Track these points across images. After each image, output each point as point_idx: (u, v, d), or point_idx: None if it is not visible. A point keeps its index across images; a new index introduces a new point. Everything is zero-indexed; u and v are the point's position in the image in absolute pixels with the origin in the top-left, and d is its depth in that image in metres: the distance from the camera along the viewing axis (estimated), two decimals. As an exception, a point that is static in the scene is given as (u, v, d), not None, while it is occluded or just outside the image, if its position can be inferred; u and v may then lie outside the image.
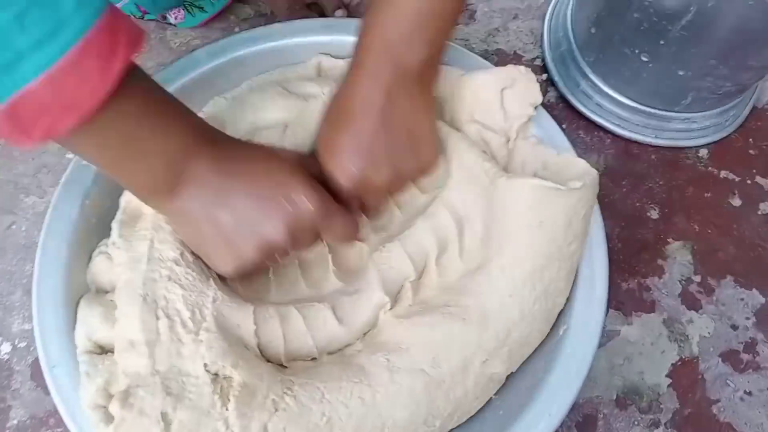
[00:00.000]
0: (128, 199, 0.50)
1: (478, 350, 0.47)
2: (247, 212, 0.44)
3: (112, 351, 0.46)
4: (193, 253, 0.48)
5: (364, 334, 0.50)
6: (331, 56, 0.62)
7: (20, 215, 0.65)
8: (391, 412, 0.45)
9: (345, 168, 0.49)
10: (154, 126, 0.41)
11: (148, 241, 0.47)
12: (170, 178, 0.43)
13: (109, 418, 0.43)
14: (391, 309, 0.49)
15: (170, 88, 0.48)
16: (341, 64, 0.61)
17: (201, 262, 0.48)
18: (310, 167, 0.48)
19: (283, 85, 0.60)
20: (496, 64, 0.59)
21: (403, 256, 0.51)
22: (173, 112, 0.44)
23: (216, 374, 0.43)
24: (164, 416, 0.41)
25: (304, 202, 0.45)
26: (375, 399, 0.45)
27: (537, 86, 0.56)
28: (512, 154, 0.56)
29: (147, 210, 0.49)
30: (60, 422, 0.56)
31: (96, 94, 0.35)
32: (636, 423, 0.58)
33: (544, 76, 0.74)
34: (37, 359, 0.58)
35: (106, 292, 0.50)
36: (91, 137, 0.38)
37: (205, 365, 0.43)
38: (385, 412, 0.45)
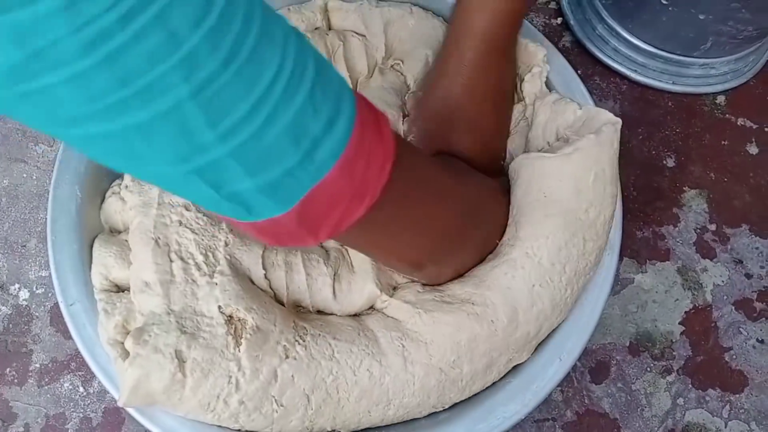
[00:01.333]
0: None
1: (506, 351, 0.46)
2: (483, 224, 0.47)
3: (128, 290, 0.46)
4: None
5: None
6: None
7: (30, 164, 0.65)
8: (399, 395, 0.45)
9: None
10: (427, 191, 0.40)
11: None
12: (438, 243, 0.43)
13: (126, 353, 0.43)
14: (392, 296, 0.47)
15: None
16: (348, 6, 0.59)
17: None
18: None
19: None
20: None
21: None
22: (437, 166, 0.42)
23: (230, 316, 0.44)
24: (178, 353, 0.42)
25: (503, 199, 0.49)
26: (384, 379, 0.44)
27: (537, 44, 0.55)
28: (533, 118, 0.54)
29: None
30: (81, 365, 0.57)
31: (385, 169, 0.31)
32: (648, 369, 0.58)
33: (559, 20, 0.72)
34: (55, 305, 0.59)
35: (120, 232, 0.51)
36: (374, 220, 0.33)
37: (219, 307, 0.44)
38: (392, 394, 0.45)
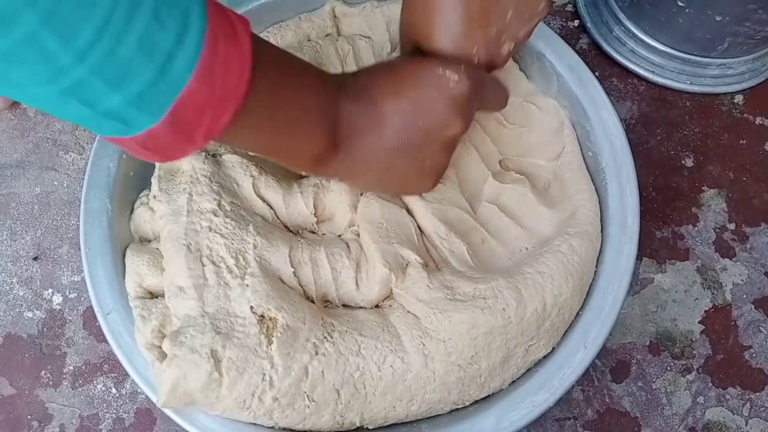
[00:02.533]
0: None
1: (521, 338, 0.48)
2: (415, 122, 0.42)
3: (162, 296, 0.48)
4: (231, 202, 0.49)
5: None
6: (344, 2, 0.62)
7: (61, 171, 0.66)
8: (421, 391, 0.46)
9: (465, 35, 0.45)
10: (295, 88, 0.40)
11: (186, 194, 0.49)
12: (329, 134, 0.41)
13: (163, 356, 0.45)
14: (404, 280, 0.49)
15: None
16: (353, 11, 0.61)
17: (238, 209, 0.50)
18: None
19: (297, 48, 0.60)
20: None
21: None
22: (301, 68, 0.41)
23: (262, 316, 0.45)
24: (214, 353, 0.43)
25: (457, 77, 0.42)
26: (406, 375, 0.46)
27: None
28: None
29: (183, 165, 0.51)
30: (113, 367, 0.59)
31: (243, 76, 0.34)
32: (669, 368, 0.59)
33: (576, 23, 0.73)
34: (87, 308, 0.61)
35: (149, 240, 0.52)
36: (246, 123, 0.36)
37: (251, 307, 0.45)
38: (415, 390, 0.46)
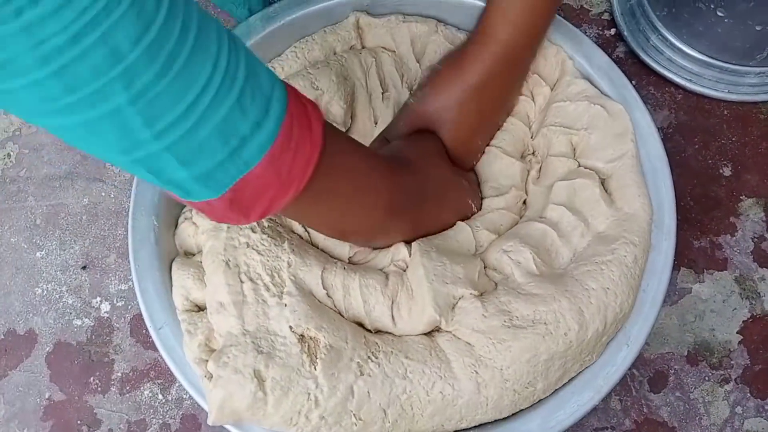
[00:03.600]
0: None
1: (579, 358, 0.48)
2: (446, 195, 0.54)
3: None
4: (270, 218, 0.50)
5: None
6: (368, 14, 0.63)
7: (108, 183, 0.68)
8: (471, 414, 0.47)
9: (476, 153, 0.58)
10: (355, 170, 0.43)
11: None
12: (386, 205, 0.47)
13: (210, 374, 0.46)
14: (452, 318, 0.48)
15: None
16: (377, 22, 0.62)
17: (276, 225, 0.51)
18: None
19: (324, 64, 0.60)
20: (563, 18, 0.59)
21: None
22: (359, 149, 0.46)
23: (302, 335, 0.46)
24: (257, 373, 0.44)
25: (473, 206, 0.56)
26: (457, 401, 0.46)
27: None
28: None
29: None
30: (160, 374, 0.61)
31: (311, 163, 0.35)
32: (707, 379, 0.59)
33: (613, 31, 0.73)
34: (135, 316, 0.63)
35: (194, 254, 0.54)
36: (305, 203, 0.38)
37: (290, 327, 0.46)
38: (465, 413, 0.47)
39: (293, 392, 0.44)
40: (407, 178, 0.49)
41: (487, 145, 0.58)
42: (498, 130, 0.58)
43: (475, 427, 0.49)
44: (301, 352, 0.45)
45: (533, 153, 0.58)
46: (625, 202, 0.52)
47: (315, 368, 0.45)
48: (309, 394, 0.44)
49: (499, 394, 0.46)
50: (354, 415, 0.45)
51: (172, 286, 0.52)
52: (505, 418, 0.49)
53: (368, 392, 0.45)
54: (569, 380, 0.49)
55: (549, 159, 0.56)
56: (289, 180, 0.35)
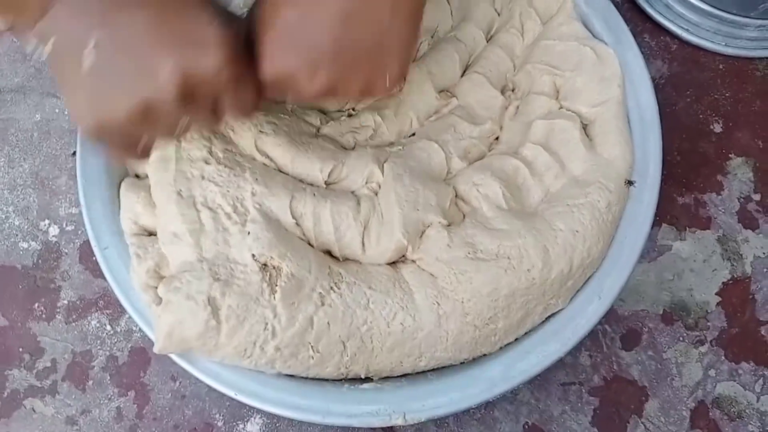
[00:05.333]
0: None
1: (542, 299, 0.46)
2: (132, 43, 0.33)
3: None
4: (225, 149, 0.46)
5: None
6: None
7: (62, 98, 0.64)
8: (431, 349, 0.45)
9: (274, 59, 0.38)
10: None
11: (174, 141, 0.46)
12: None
13: (160, 300, 0.43)
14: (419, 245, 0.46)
15: None
16: None
17: (233, 155, 0.47)
18: (240, 29, 0.38)
19: None
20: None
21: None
22: None
23: (264, 264, 0.43)
24: (212, 300, 0.41)
25: (214, 54, 0.34)
26: (417, 333, 0.44)
27: None
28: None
29: None
30: (108, 304, 0.57)
31: None
32: (681, 339, 0.57)
33: (610, -24, 0.69)
34: (84, 243, 0.59)
35: (146, 176, 0.50)
36: None
37: (253, 255, 0.43)
38: (424, 348, 0.44)
39: (249, 321, 0.42)
40: None
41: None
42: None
43: (433, 370, 0.46)
44: (261, 281, 0.42)
45: (513, 90, 0.55)
46: (605, 148, 0.49)
47: (274, 297, 0.42)
48: (266, 324, 0.42)
49: (459, 328, 0.44)
50: (312, 347, 0.43)
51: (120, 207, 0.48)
52: (466, 364, 0.47)
53: (328, 323, 0.43)
54: (534, 329, 0.47)
55: (530, 96, 0.53)
56: None
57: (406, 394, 0.45)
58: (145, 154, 0.41)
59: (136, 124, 0.35)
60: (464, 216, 0.48)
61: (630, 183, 0.49)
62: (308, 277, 0.43)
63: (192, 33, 0.34)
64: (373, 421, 0.45)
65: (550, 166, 0.49)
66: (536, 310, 0.46)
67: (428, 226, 0.46)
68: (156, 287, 0.44)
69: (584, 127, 0.51)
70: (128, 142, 0.38)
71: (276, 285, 0.43)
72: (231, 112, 0.39)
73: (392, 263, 0.47)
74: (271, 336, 0.42)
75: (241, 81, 0.37)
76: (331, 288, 0.44)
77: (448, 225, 0.46)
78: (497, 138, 0.53)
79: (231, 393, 0.45)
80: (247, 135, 0.48)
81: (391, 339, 0.44)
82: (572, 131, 0.50)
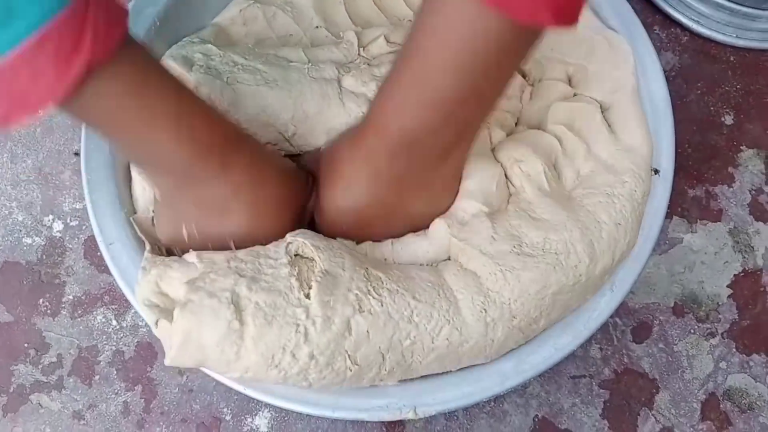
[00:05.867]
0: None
1: (582, 296, 0.45)
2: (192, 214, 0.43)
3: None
4: None
5: None
6: None
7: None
8: (471, 359, 0.43)
9: (329, 215, 0.45)
10: (163, 123, 0.36)
11: None
12: (172, 176, 0.41)
13: (164, 314, 0.40)
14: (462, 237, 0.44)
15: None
16: None
17: None
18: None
19: None
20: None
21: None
22: (185, 105, 0.38)
23: (296, 254, 0.41)
24: (235, 297, 0.38)
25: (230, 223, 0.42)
26: (462, 347, 0.42)
27: None
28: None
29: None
30: (114, 299, 0.56)
31: (53, 93, 0.30)
32: (692, 331, 0.57)
33: (618, -34, 0.68)
34: (89, 237, 0.58)
35: None
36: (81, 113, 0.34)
37: (288, 244, 0.41)
38: (467, 359, 0.43)
39: (278, 322, 0.38)
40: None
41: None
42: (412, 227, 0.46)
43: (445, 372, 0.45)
44: (289, 275, 0.39)
45: (525, 76, 0.54)
46: (627, 134, 0.48)
47: (308, 294, 0.39)
48: (298, 325, 0.38)
49: (506, 334, 0.42)
50: (349, 356, 0.39)
51: (131, 195, 0.48)
52: None
53: (368, 332, 0.39)
54: None
55: (544, 82, 0.52)
56: (21, 101, 0.30)
57: (417, 388, 0.44)
58: None
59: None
60: (508, 199, 0.46)
61: (656, 172, 0.48)
62: (342, 275, 0.40)
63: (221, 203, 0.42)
64: (384, 415, 0.44)
65: (577, 147, 0.48)
66: (571, 308, 0.45)
67: (471, 215, 0.44)
68: (158, 305, 0.40)
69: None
70: None
71: (310, 280, 0.40)
72: None
73: (432, 265, 0.45)
74: (304, 340, 0.38)
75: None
76: (369, 292, 0.40)
77: (491, 213, 0.44)
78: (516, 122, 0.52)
79: (240, 388, 0.43)
80: None
81: (434, 354, 0.41)
82: (594, 113, 0.49)
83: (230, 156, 0.40)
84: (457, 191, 0.45)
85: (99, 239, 0.47)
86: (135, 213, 0.48)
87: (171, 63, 0.47)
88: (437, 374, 0.45)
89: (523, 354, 0.45)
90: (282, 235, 0.42)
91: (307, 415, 0.53)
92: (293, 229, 0.43)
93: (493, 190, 0.45)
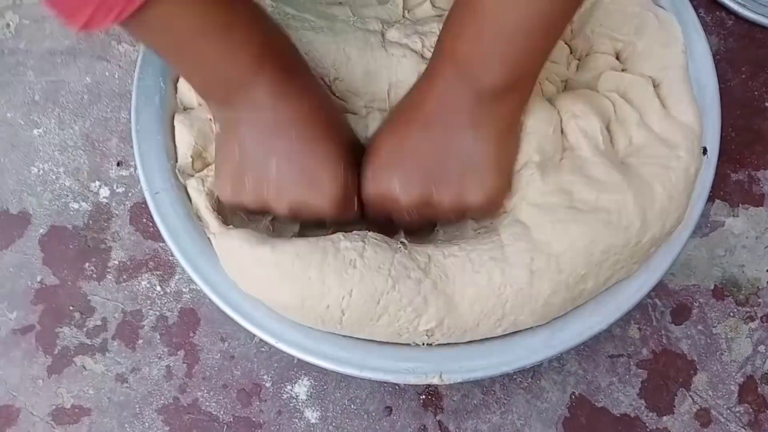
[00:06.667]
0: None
1: (629, 261, 0.45)
2: (269, 166, 0.43)
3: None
4: None
5: None
6: None
7: (113, 62, 0.64)
8: (516, 311, 0.43)
9: (374, 182, 0.45)
10: (216, 35, 0.39)
11: None
12: (225, 91, 0.43)
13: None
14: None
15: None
16: None
17: None
18: (358, 154, 0.47)
19: None
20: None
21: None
22: (238, 18, 0.40)
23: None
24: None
25: (322, 197, 0.44)
26: (504, 291, 0.43)
27: None
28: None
29: None
30: (159, 265, 0.57)
31: None
32: (731, 315, 0.57)
33: (663, -51, 0.68)
34: (135, 204, 0.59)
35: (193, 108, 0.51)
36: (146, 32, 0.38)
37: None
38: (509, 308, 0.43)
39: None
40: (280, 77, 0.43)
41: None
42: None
43: (478, 340, 0.46)
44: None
45: (571, 52, 0.54)
46: (679, 111, 0.48)
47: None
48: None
49: (552, 288, 0.43)
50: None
51: (175, 147, 0.50)
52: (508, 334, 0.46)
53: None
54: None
55: (592, 55, 0.52)
56: (108, 3, 0.33)
57: (445, 354, 0.45)
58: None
59: (258, 214, 0.49)
60: (562, 156, 0.46)
61: (705, 151, 0.48)
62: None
63: (312, 173, 0.43)
64: (409, 378, 0.45)
65: (630, 114, 0.48)
66: (620, 273, 0.45)
67: (523, 165, 0.45)
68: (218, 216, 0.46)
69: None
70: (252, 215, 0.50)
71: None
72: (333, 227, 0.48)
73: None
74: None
75: (343, 211, 0.45)
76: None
77: (544, 165, 0.45)
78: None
79: (272, 340, 0.46)
80: None
81: (472, 291, 0.43)
82: (646, 85, 0.49)
83: (285, 75, 0.43)
84: (515, 142, 0.45)
85: (145, 188, 0.49)
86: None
87: None
88: (468, 343, 0.46)
89: (554, 329, 0.46)
90: (337, 173, 0.44)
91: (345, 384, 0.54)
92: (347, 166, 0.45)
93: (549, 134, 0.45)
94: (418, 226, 0.48)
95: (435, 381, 0.45)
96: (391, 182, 0.44)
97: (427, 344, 0.45)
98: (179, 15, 0.37)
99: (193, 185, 0.48)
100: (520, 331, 0.46)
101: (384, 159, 0.45)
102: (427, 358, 0.45)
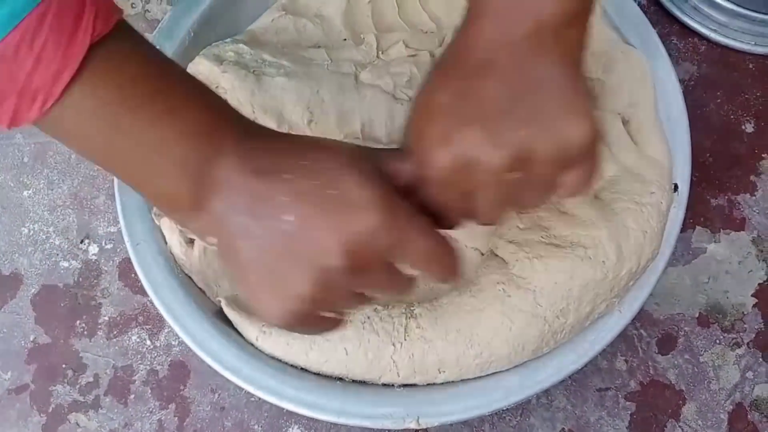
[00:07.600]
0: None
1: (608, 295, 0.46)
2: (288, 228, 0.33)
3: None
4: None
5: None
6: None
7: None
8: (488, 341, 0.44)
9: (446, 143, 0.34)
10: (156, 116, 0.32)
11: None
12: (190, 185, 0.33)
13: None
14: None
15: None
16: None
17: None
18: (381, 163, 0.35)
19: None
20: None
21: None
22: (182, 91, 0.34)
23: None
24: None
25: (364, 207, 0.32)
26: (477, 325, 0.44)
27: None
28: None
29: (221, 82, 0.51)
30: (148, 319, 0.58)
31: (60, 79, 0.29)
32: (717, 342, 0.57)
33: (635, -22, 0.69)
34: (123, 260, 0.60)
35: None
36: (72, 127, 0.32)
37: None
38: (482, 338, 0.44)
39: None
40: (247, 143, 0.34)
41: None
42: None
43: (450, 382, 0.47)
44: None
45: None
46: (649, 147, 0.49)
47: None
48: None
49: (528, 321, 0.43)
50: None
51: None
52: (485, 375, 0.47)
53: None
54: None
55: None
56: (31, 91, 0.29)
57: (422, 398, 0.46)
58: (337, 324, 0.38)
59: (319, 302, 0.34)
60: None
61: (676, 188, 0.49)
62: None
63: (336, 188, 0.33)
64: (387, 423, 0.45)
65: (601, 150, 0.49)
66: (600, 307, 0.46)
67: None
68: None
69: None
70: (316, 322, 0.36)
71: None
72: (410, 267, 0.36)
73: None
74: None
75: (402, 226, 0.33)
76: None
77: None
78: None
79: (251, 388, 0.46)
80: None
81: (444, 312, 0.44)
82: (615, 122, 0.49)
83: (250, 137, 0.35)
84: (576, 92, 0.35)
85: (126, 239, 0.50)
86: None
87: (203, 60, 0.52)
88: (442, 385, 0.46)
89: (528, 371, 0.47)
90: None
91: (335, 431, 0.55)
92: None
93: None
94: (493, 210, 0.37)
95: (412, 425, 0.45)
96: (469, 140, 0.33)
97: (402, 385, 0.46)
98: (106, 101, 0.31)
99: (166, 224, 0.49)
100: (497, 372, 0.47)
101: (447, 115, 0.34)
102: (404, 402, 0.46)
